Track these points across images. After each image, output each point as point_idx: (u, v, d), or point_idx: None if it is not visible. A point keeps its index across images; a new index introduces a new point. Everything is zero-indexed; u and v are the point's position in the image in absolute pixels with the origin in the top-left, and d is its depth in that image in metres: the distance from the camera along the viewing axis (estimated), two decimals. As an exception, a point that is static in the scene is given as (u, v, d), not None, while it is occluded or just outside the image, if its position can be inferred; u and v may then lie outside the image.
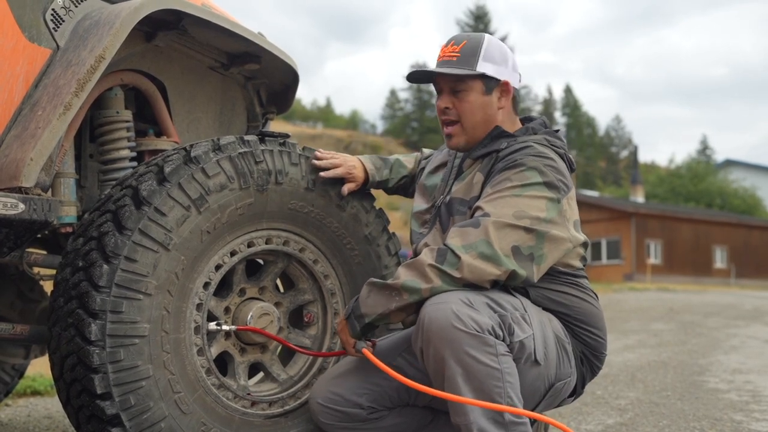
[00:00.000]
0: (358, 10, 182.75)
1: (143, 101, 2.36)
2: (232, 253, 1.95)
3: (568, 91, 68.33)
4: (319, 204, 2.06)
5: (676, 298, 13.96)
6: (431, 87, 2.08)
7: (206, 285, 1.89)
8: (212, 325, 1.92)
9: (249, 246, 1.98)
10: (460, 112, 1.97)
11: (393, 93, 65.30)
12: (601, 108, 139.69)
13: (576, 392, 1.99)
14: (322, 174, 2.05)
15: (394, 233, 2.25)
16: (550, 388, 1.86)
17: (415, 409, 2.03)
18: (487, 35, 2.00)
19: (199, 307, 1.87)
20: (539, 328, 1.79)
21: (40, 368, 4.24)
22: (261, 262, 2.17)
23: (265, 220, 1.98)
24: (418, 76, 2.04)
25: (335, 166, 2.08)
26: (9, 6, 1.84)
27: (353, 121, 73.90)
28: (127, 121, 2.23)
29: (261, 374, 2.20)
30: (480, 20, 56.53)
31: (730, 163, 49.11)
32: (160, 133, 2.34)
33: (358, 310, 1.81)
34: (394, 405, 1.99)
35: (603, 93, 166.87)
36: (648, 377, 4.47)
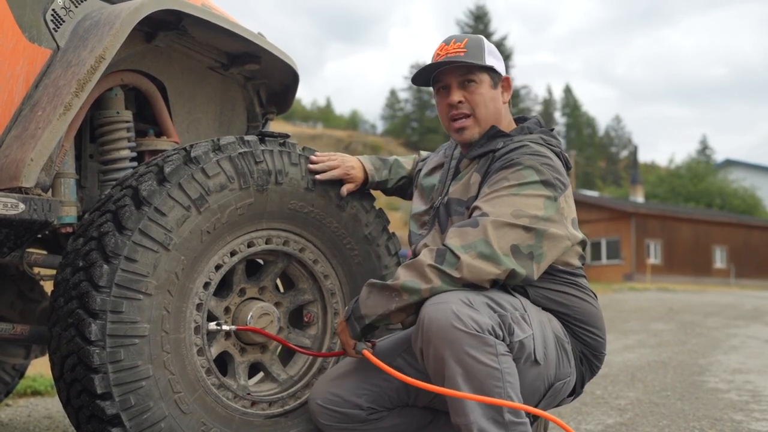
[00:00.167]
0: (358, 10, 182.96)
1: (143, 101, 2.36)
2: (232, 253, 1.95)
3: (567, 91, 68.38)
4: (319, 204, 2.06)
5: (675, 298, 13.96)
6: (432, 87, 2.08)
7: (206, 285, 1.89)
8: (212, 325, 1.93)
9: (249, 246, 1.98)
10: (473, 105, 1.98)
11: (393, 93, 65.37)
12: (600, 108, 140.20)
13: (575, 392, 1.99)
14: (318, 177, 2.05)
15: (393, 233, 2.25)
16: (549, 387, 1.86)
17: (415, 409, 2.03)
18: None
19: (199, 307, 1.88)
20: (539, 328, 1.79)
21: (40, 368, 4.24)
22: (261, 262, 2.17)
23: (265, 220, 1.98)
24: (425, 73, 2.02)
25: (332, 168, 2.08)
26: (9, 6, 1.84)
27: (353, 122, 73.88)
28: (127, 122, 2.23)
29: (261, 374, 2.20)
30: (480, 20, 56.46)
31: (730, 163, 49.11)
32: (160, 133, 2.34)
33: (358, 311, 1.81)
34: (393, 406, 1.99)
35: (603, 93, 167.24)
36: (648, 377, 4.47)
